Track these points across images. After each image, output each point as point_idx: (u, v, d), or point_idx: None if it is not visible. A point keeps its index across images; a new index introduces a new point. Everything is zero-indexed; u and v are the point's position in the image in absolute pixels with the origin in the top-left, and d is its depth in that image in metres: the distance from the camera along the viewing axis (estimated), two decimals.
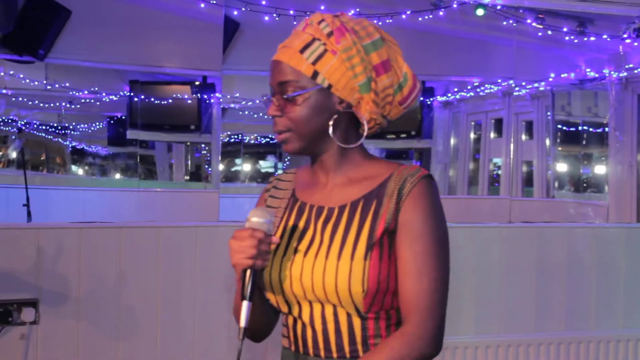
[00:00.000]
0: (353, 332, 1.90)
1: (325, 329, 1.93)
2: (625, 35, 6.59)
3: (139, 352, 4.50)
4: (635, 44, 7.43)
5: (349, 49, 1.91)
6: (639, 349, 5.10)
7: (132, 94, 9.36)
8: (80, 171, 10.69)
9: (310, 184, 2.07)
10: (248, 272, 1.85)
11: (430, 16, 6.72)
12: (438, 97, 9.57)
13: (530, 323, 5.04)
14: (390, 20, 6.85)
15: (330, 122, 1.95)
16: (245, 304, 1.83)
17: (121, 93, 9.59)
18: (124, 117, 9.75)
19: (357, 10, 6.64)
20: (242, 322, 1.83)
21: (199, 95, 9.33)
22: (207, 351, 4.58)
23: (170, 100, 9.43)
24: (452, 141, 12.85)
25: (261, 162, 12.96)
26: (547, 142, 10.43)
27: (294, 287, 1.93)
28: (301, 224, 2.00)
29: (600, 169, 10.11)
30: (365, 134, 1.98)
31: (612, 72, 8.60)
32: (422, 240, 1.87)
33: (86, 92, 9.71)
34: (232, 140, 11.90)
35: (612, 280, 5.17)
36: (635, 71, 8.29)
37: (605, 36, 7.26)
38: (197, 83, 9.37)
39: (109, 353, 4.47)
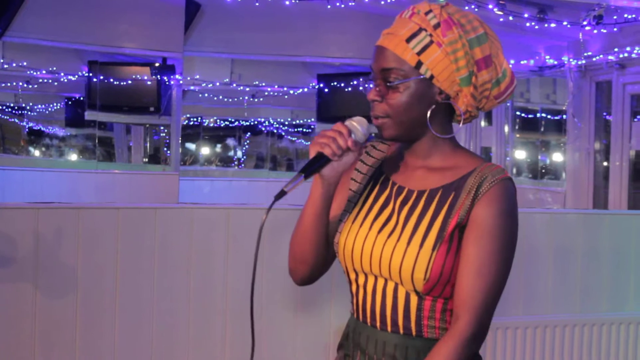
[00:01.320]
0: (409, 310, 1.97)
1: (383, 303, 2.00)
2: (585, 23, 6.65)
3: (98, 334, 4.47)
4: (595, 31, 7.51)
5: (455, 42, 1.94)
6: (594, 334, 5.16)
7: (90, 74, 9.27)
8: (38, 152, 10.59)
9: (398, 161, 2.11)
10: (315, 154, 1.96)
11: (393, 0, 6.74)
12: None
13: None
14: (353, 3, 6.85)
15: (428, 112, 1.98)
16: (299, 177, 1.93)
17: (80, 73, 9.50)
18: (82, 98, 9.66)
19: None
20: (286, 186, 1.92)
21: (158, 76, 9.28)
22: (166, 332, 4.56)
23: (129, 82, 9.36)
24: None
25: (220, 145, 12.92)
26: (506, 128, 10.53)
27: (364, 259, 2.01)
28: (382, 199, 2.07)
29: (558, 156, 10.22)
30: (460, 125, 2.04)
31: (571, 60, 8.68)
32: (489, 239, 1.92)
33: (44, 71, 9.61)
34: (192, 123, 11.85)
35: (568, 265, 5.22)
36: (594, 59, 8.37)
37: (565, 23, 7.32)
38: (156, 64, 9.31)
39: (66, 337, 4.43)
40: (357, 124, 1.99)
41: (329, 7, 6.85)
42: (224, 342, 4.61)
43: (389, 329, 2.00)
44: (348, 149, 1.96)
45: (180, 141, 9.51)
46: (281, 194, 1.92)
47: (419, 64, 1.94)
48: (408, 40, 1.95)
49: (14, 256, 4.36)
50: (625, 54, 7.84)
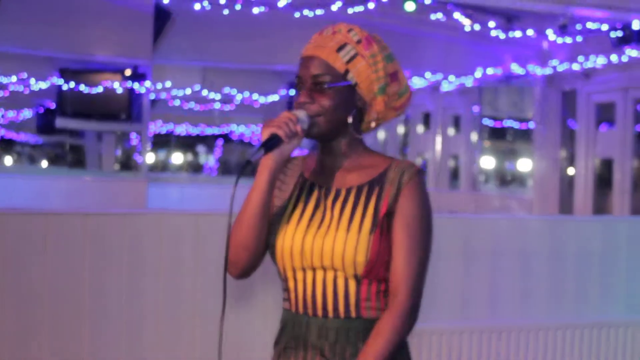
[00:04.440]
0: (348, 295, 2.22)
1: (324, 292, 2.24)
2: (550, 32, 6.74)
3: (65, 343, 4.47)
4: (560, 40, 7.60)
5: (375, 55, 2.27)
6: (558, 338, 5.22)
7: (62, 81, 9.25)
8: (9, 160, 10.57)
9: (318, 168, 2.36)
10: (270, 135, 2.18)
11: (362, 9, 6.78)
12: None
13: (454, 310, 5.13)
14: (322, 12, 6.90)
15: (351, 115, 2.27)
16: (260, 150, 2.18)
17: (51, 81, 9.48)
18: (53, 106, 9.63)
19: (288, 1, 6.66)
20: (252, 157, 2.17)
21: (129, 84, 9.27)
22: (135, 336, 4.57)
23: (100, 89, 9.35)
24: (381, 135, 13.00)
25: (191, 153, 12.93)
26: (474, 136, 10.61)
27: (304, 254, 2.24)
28: (312, 202, 2.31)
29: (524, 164, 10.31)
30: (372, 128, 2.35)
31: (537, 69, 8.78)
32: (414, 223, 2.23)
33: (15, 78, 9.59)
34: (163, 130, 11.86)
35: (535, 270, 5.28)
36: (559, 68, 8.47)
37: (531, 31, 7.41)
38: (128, 72, 9.30)
39: (31, 345, 4.43)
40: (302, 115, 2.22)
41: (297, 15, 6.90)
42: (194, 345, 4.63)
43: (330, 315, 2.24)
44: (295, 134, 2.21)
45: (149, 148, 9.49)
46: (248, 163, 2.18)
47: (347, 72, 2.25)
48: (338, 50, 2.25)
49: None
50: (590, 64, 7.94)
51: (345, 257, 2.19)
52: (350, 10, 6.84)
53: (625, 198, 7.99)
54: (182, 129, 12.11)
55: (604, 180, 8.53)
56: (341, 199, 2.28)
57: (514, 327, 5.13)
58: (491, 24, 7.13)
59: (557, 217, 7.66)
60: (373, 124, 2.35)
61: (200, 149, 12.55)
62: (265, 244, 2.31)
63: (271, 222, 2.31)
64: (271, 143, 2.18)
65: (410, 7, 6.35)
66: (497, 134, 10.95)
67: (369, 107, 2.31)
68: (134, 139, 10.46)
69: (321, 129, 2.25)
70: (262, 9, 6.89)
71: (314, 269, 2.25)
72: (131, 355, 4.55)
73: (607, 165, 8.46)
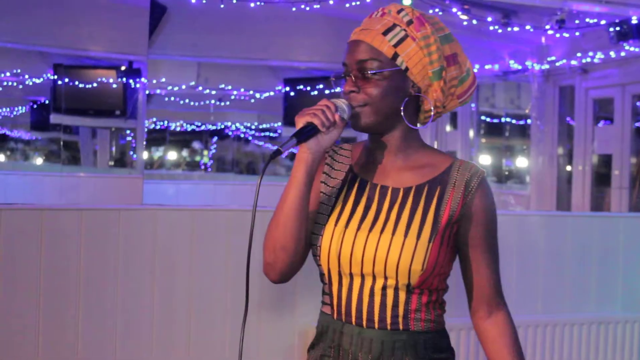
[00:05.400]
0: (397, 305, 2.04)
1: (371, 301, 2.05)
2: (548, 27, 6.72)
3: (61, 335, 4.45)
4: (558, 35, 7.58)
5: (427, 37, 2.05)
6: (556, 334, 5.21)
7: (56, 77, 9.21)
8: (2, 156, 10.51)
9: (368, 162, 2.16)
10: (304, 124, 2.00)
11: (358, 3, 6.75)
12: None
13: (449, 307, 5.10)
14: (318, 6, 6.87)
15: (402, 103, 2.06)
16: (292, 140, 1.98)
17: (45, 76, 9.44)
18: (47, 101, 9.59)
19: None
20: (282, 146, 1.96)
21: (124, 80, 9.23)
22: (130, 332, 4.54)
23: (95, 85, 9.30)
24: None
25: (187, 149, 12.89)
26: (471, 133, 10.60)
27: (354, 260, 2.04)
28: (363, 200, 2.11)
29: (522, 160, 10.30)
30: (431, 119, 2.13)
31: (534, 64, 8.76)
32: (491, 233, 2.11)
33: (8, 74, 9.53)
34: (158, 126, 11.82)
35: (532, 266, 5.27)
36: (557, 64, 8.45)
37: (528, 27, 7.39)
38: (122, 68, 9.26)
39: (28, 340, 4.41)
40: (342, 103, 2.04)
41: (293, 9, 6.86)
42: (189, 341, 4.60)
43: (376, 325, 2.05)
44: (334, 124, 2.01)
45: (145, 144, 9.45)
46: (277, 152, 1.95)
47: (395, 56, 2.03)
48: (384, 33, 2.04)
49: None
50: (588, 59, 7.93)
51: (400, 265, 2.00)
52: (347, 5, 6.81)
53: (624, 194, 7.97)
54: (176, 125, 12.06)
55: (602, 176, 8.52)
56: (399, 200, 2.07)
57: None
58: (489, 19, 7.10)
59: (554, 213, 7.64)
60: (432, 115, 2.11)
61: (195, 145, 12.51)
62: (306, 244, 2.11)
63: (315, 219, 2.12)
64: (306, 132, 1.99)
65: (407, 1, 6.33)
66: (495, 130, 10.93)
67: (424, 95, 2.08)
68: (129, 135, 10.41)
69: (369, 121, 2.05)
70: (259, 2, 6.85)
71: (362, 275, 2.05)
72: (126, 352, 4.52)
73: (605, 162, 8.45)
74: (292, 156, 9.22)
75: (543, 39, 8.21)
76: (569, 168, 8.98)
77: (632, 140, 7.99)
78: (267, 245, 2.09)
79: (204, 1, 6.91)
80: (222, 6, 6.62)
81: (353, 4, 6.79)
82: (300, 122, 1.99)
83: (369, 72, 2.03)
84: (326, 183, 2.17)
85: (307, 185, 2.04)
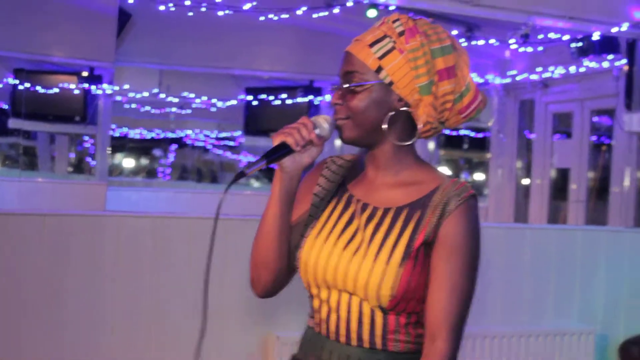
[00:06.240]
0: (374, 325, 1.99)
1: (349, 317, 2.01)
2: (512, 41, 6.80)
3: (22, 345, 4.41)
4: (521, 49, 7.66)
5: (416, 49, 1.97)
6: (513, 345, 5.26)
7: (17, 82, 9.13)
8: None
9: (360, 177, 2.12)
10: (279, 143, 1.97)
11: (326, 13, 6.78)
12: (327, 96, 9.64)
13: None
14: (287, 16, 6.89)
15: (386, 118, 1.99)
16: (261, 161, 1.95)
17: (5, 81, 9.35)
18: (6, 106, 9.50)
19: (253, 4, 6.65)
20: (247, 168, 1.93)
21: (85, 86, 9.18)
22: (89, 339, 4.52)
23: (56, 90, 9.24)
24: (338, 142, 13.01)
25: (146, 157, 12.83)
26: (431, 145, 10.67)
27: (328, 274, 2.01)
28: (346, 216, 2.06)
29: (480, 173, 10.40)
30: (418, 136, 2.03)
31: (496, 78, 8.85)
32: (459, 257, 1.96)
33: None
34: (117, 134, 11.74)
35: (490, 276, 5.32)
36: (518, 78, 8.55)
37: (493, 41, 7.46)
38: (84, 74, 9.20)
39: None
40: (322, 120, 2.01)
41: (262, 18, 6.88)
42: (150, 347, 4.59)
43: (353, 343, 2.01)
44: (311, 142, 1.99)
45: (108, 151, 9.40)
46: (240, 174, 1.92)
47: (380, 69, 1.97)
48: (371, 45, 1.99)
49: None
50: (549, 74, 8.03)
51: (368, 289, 1.94)
52: (315, 15, 6.84)
53: (581, 208, 8.08)
54: (136, 133, 12.00)
55: (559, 190, 8.63)
56: (376, 219, 2.01)
57: (469, 334, 5.15)
58: (454, 32, 7.17)
59: (513, 225, 7.73)
60: (427, 130, 2.02)
61: (156, 153, 12.45)
62: (290, 261, 2.10)
63: (302, 233, 2.09)
64: (277, 152, 1.95)
65: (372, 13, 6.37)
66: (454, 143, 11.02)
67: (415, 110, 2.00)
68: (88, 141, 10.34)
69: (352, 134, 2.01)
70: (227, 11, 6.86)
71: (339, 291, 2.01)
72: (89, 358, 4.50)
73: (563, 175, 8.55)
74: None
75: (507, 53, 8.31)
76: (527, 181, 9.08)
77: (590, 155, 8.11)
78: (251, 262, 2.11)
79: (173, 9, 6.91)
80: (190, 14, 6.63)
81: (321, 14, 6.82)
82: (275, 140, 1.97)
83: (350, 84, 1.99)
84: (318, 195, 2.14)
85: (285, 203, 2.04)
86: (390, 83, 1.98)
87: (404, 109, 2.00)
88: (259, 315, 4.74)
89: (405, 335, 2.00)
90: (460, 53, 2.04)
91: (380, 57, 1.97)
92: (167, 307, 4.60)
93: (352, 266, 1.97)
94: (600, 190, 7.98)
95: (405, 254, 1.94)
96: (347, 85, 2.00)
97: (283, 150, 1.95)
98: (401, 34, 1.98)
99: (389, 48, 1.97)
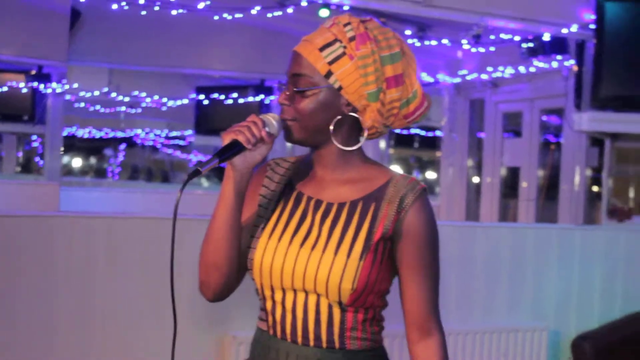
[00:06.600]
0: (332, 323, 2.00)
1: (305, 317, 2.00)
2: (464, 42, 6.85)
3: None
4: (474, 49, 7.73)
5: (367, 56, 1.97)
6: (467, 342, 5.30)
7: None
8: None
9: (308, 175, 2.12)
10: (230, 141, 1.94)
11: (280, 13, 6.77)
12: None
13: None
14: (241, 15, 6.87)
15: (333, 122, 2.01)
16: (214, 159, 1.92)
17: None
18: None
19: (207, 3, 6.62)
20: (201, 166, 1.90)
21: (34, 84, 9.07)
22: (45, 343, 4.47)
23: (3, 89, 9.12)
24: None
25: (95, 156, 12.73)
26: (382, 144, 10.73)
27: (285, 275, 1.99)
28: (298, 214, 2.06)
29: (431, 172, 10.48)
30: (363, 140, 2.05)
31: (446, 78, 8.92)
32: (428, 247, 2.04)
33: None
34: (66, 133, 11.62)
35: (442, 274, 5.34)
36: (468, 77, 8.62)
37: (445, 41, 7.52)
38: (32, 72, 9.09)
39: None
40: (271, 118, 2.00)
41: (215, 17, 6.86)
42: (104, 349, 4.56)
43: (311, 343, 2.01)
44: (262, 140, 1.96)
45: (60, 150, 9.29)
46: (195, 173, 1.90)
47: (329, 74, 1.98)
48: (322, 49, 1.98)
49: None
50: (499, 74, 8.11)
51: (329, 283, 1.94)
52: (269, 15, 6.83)
53: (531, 206, 8.18)
54: (85, 132, 11.89)
55: (509, 188, 8.72)
56: (332, 215, 2.03)
57: None
58: (407, 32, 7.21)
59: (465, 223, 7.79)
60: (372, 133, 2.05)
61: (105, 152, 12.35)
62: (241, 262, 2.06)
63: (252, 233, 2.08)
64: (229, 150, 1.93)
65: (324, 13, 6.39)
66: (404, 141, 11.08)
67: (361, 114, 2.02)
68: (36, 141, 10.22)
69: (299, 136, 2.02)
70: (181, 10, 6.82)
71: (294, 291, 2.00)
72: None
73: (513, 174, 8.65)
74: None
75: (459, 54, 8.37)
76: (478, 179, 9.17)
77: (540, 154, 8.20)
78: (201, 263, 2.07)
79: (126, 8, 6.85)
80: (143, 13, 6.58)
81: (275, 14, 6.81)
82: (226, 139, 1.94)
83: (299, 88, 1.99)
84: (264, 196, 2.13)
85: (236, 203, 2.00)
86: (340, 88, 1.99)
87: (351, 114, 2.02)
88: (215, 316, 4.72)
89: (362, 332, 2.02)
90: (409, 59, 2.05)
91: (330, 62, 1.98)
92: (121, 309, 4.56)
93: (311, 262, 1.97)
94: (550, 189, 8.08)
95: (365, 247, 1.96)
96: (296, 89, 2.00)
97: (235, 148, 1.94)
98: (352, 39, 1.98)
99: (340, 53, 1.98)
